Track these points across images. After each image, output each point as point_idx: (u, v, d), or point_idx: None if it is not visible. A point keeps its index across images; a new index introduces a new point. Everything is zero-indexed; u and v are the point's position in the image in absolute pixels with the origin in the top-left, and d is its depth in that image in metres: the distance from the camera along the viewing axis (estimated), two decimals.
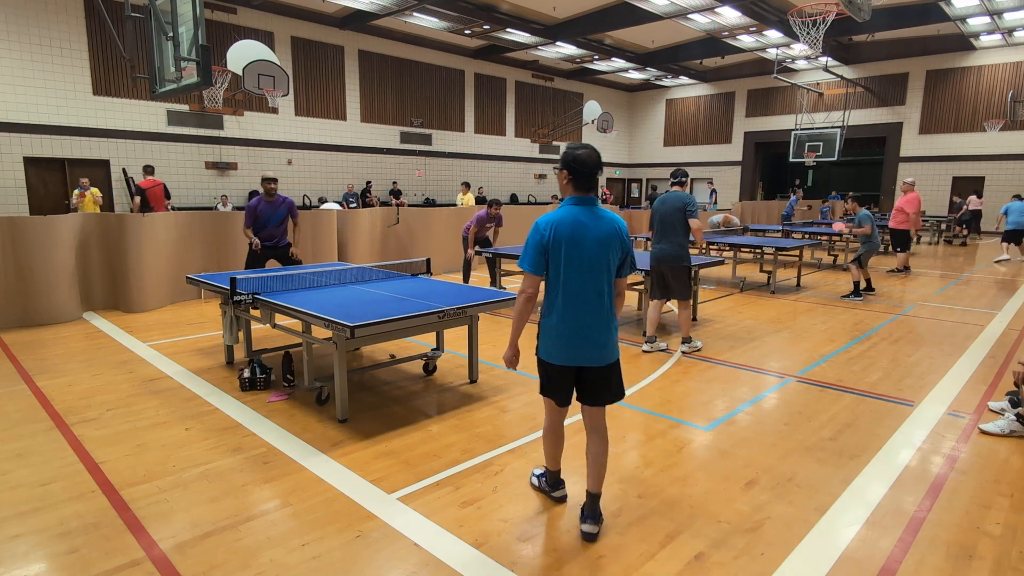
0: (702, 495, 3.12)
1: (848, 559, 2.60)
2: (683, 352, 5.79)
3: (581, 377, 2.77)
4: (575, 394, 2.84)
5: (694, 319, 7.21)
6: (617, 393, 2.81)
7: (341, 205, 17.61)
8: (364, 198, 18.31)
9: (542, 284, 2.76)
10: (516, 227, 12.45)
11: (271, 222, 6.56)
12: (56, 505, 2.98)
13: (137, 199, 10.71)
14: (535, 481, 3.17)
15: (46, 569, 2.51)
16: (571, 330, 2.69)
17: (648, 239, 10.80)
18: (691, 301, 5.87)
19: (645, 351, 5.82)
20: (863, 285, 8.89)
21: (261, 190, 6.59)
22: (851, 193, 9.47)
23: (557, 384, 2.78)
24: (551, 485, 3.06)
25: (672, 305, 8.17)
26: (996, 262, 13.20)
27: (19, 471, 3.34)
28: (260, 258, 6.63)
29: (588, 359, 2.71)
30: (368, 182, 19.01)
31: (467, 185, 14.89)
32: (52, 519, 2.86)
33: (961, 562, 2.59)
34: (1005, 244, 13.64)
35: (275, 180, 6.55)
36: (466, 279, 9.28)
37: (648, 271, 6.07)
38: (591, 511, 2.76)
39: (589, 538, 2.71)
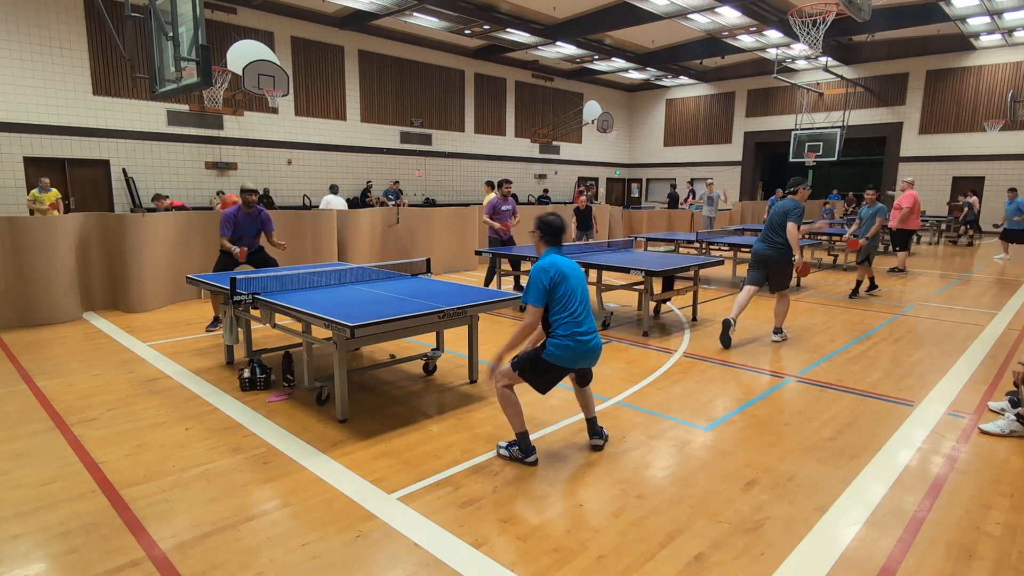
0: (702, 495, 3.12)
1: (848, 559, 2.60)
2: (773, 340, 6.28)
3: (579, 375, 3.63)
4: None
5: (694, 319, 7.22)
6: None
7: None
8: (364, 198, 18.30)
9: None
10: (518, 228, 12.37)
11: (248, 232, 6.43)
12: (56, 505, 2.98)
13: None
14: (506, 453, 3.54)
15: (46, 569, 2.51)
16: (577, 343, 3.35)
17: (648, 239, 10.89)
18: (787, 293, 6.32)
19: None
20: (867, 285, 8.84)
21: (240, 200, 6.44)
22: (871, 186, 9.16)
23: (552, 381, 3.45)
24: (524, 451, 3.48)
25: (672, 305, 8.18)
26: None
27: (19, 471, 3.34)
28: (233, 264, 6.45)
29: (587, 363, 3.47)
30: (368, 182, 19.01)
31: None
32: (52, 519, 2.86)
33: (961, 562, 2.59)
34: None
35: (255, 192, 6.42)
36: (487, 282, 8.70)
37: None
38: (596, 430, 3.69)
39: (597, 448, 3.65)
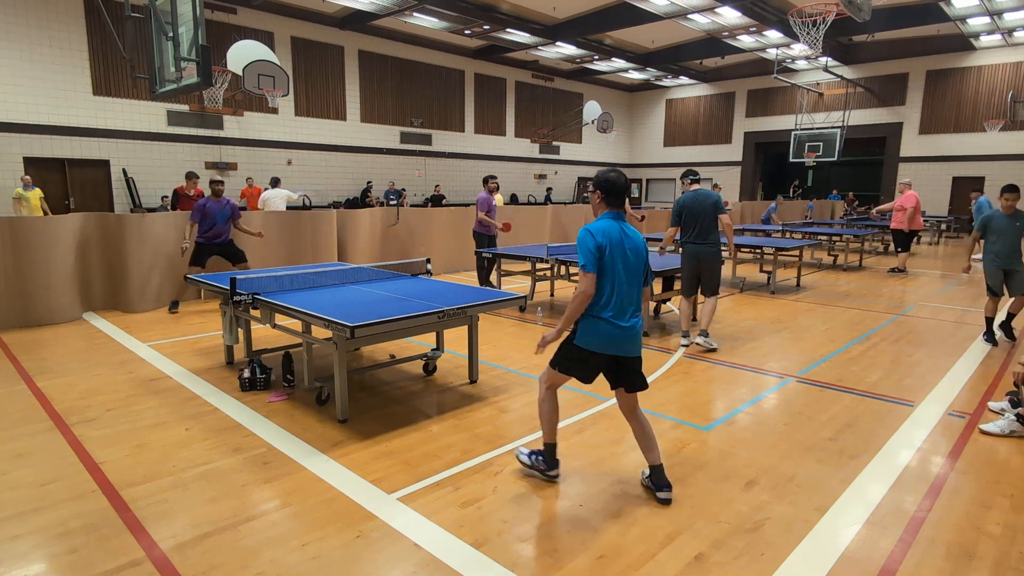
0: (702, 495, 3.12)
1: (848, 559, 2.60)
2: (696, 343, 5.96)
3: (619, 366, 3.11)
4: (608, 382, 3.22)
5: (694, 319, 7.21)
6: (644, 382, 3.18)
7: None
8: (364, 198, 18.30)
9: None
10: (519, 228, 12.44)
11: (218, 220, 7.30)
12: (56, 505, 2.98)
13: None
14: (527, 460, 3.32)
15: (46, 569, 2.51)
16: (609, 323, 3.01)
17: (647, 239, 10.83)
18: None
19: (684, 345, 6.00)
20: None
21: (209, 191, 7.41)
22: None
23: (589, 368, 3.10)
24: (548, 463, 3.26)
25: (672, 305, 8.18)
26: None
27: (19, 471, 3.34)
28: (205, 255, 7.35)
29: (628, 350, 3.07)
30: (368, 182, 19.01)
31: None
32: (52, 519, 2.86)
33: (961, 562, 2.59)
34: None
35: (222, 182, 7.48)
36: (482, 280, 8.85)
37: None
38: (663, 480, 3.08)
39: (666, 503, 3.04)
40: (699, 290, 6.11)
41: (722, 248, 6.01)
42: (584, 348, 3.04)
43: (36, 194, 11.40)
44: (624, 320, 3.02)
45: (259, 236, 7.87)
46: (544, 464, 3.26)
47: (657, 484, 3.07)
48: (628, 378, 3.12)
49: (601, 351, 3.03)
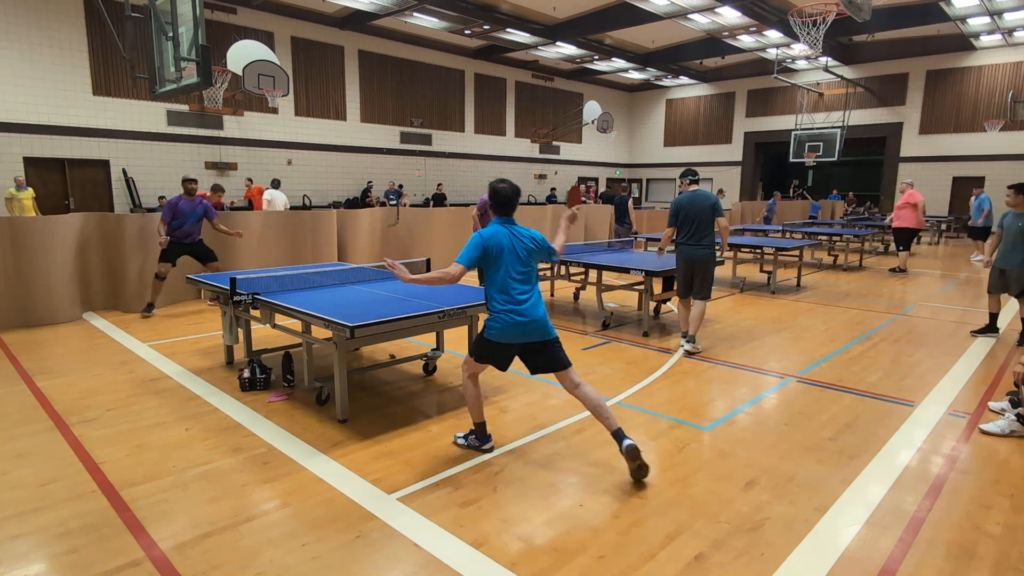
0: (702, 495, 3.12)
1: (848, 559, 2.60)
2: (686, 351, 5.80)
3: (533, 352, 3.40)
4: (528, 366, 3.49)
5: None
6: (567, 360, 3.42)
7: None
8: (364, 198, 18.30)
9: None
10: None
11: (189, 219, 7.28)
12: (56, 505, 2.98)
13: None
14: (463, 442, 3.67)
15: (46, 569, 2.51)
16: (511, 317, 3.31)
17: (648, 239, 10.82)
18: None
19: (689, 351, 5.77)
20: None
21: (182, 189, 7.41)
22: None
23: (498, 358, 3.42)
24: (481, 439, 3.61)
25: (672, 305, 8.18)
26: None
27: (19, 471, 3.34)
28: (175, 252, 7.29)
29: (533, 336, 3.35)
30: (369, 182, 19.01)
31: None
32: (52, 519, 2.86)
33: (961, 562, 2.59)
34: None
35: (195, 180, 7.45)
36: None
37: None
38: (623, 436, 3.23)
39: (633, 447, 3.17)
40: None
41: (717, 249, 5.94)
42: (491, 340, 3.37)
43: (28, 194, 11.45)
44: (521, 309, 3.31)
45: (238, 236, 7.82)
46: (477, 441, 3.62)
47: (619, 439, 3.23)
48: (547, 362, 3.39)
49: (506, 341, 3.35)
